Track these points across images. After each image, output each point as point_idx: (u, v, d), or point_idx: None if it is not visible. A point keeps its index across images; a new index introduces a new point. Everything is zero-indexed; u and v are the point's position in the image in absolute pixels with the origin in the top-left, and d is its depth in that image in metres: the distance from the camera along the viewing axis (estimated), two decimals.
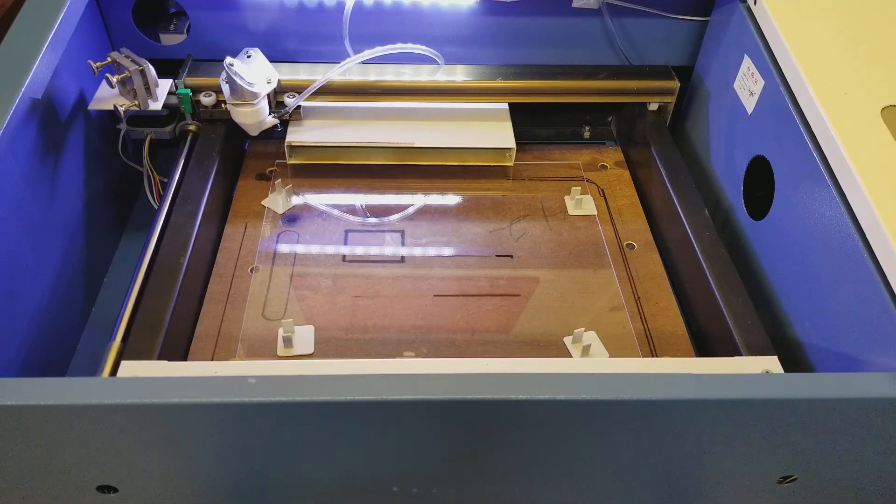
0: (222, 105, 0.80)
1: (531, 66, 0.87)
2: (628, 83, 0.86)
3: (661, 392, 0.47)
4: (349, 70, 0.81)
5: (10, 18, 0.69)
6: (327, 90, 0.82)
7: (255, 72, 0.78)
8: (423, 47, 0.79)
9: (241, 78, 0.76)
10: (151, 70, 0.75)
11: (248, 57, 0.80)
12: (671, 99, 0.87)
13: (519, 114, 0.88)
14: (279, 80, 0.80)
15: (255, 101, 0.77)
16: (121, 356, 0.59)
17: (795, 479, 0.55)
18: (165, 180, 0.78)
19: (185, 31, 0.86)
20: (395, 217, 0.80)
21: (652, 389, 0.47)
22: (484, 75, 0.85)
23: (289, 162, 0.84)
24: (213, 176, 0.77)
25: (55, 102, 0.70)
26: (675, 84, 0.86)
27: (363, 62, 0.80)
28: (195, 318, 0.69)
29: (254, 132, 0.81)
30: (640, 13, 0.85)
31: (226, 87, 0.78)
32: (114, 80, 0.73)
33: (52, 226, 0.71)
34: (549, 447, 0.52)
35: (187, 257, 0.68)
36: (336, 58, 0.81)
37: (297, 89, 0.81)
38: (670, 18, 0.86)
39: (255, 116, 0.79)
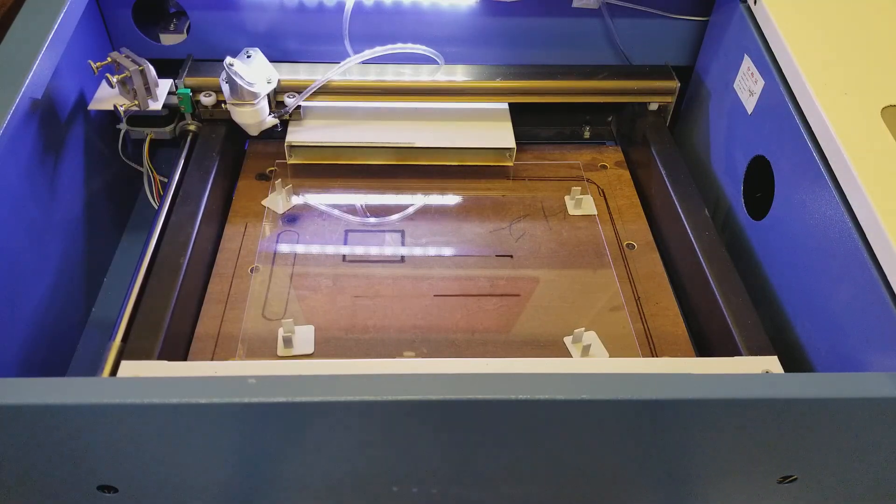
0: (222, 105, 0.80)
1: (531, 66, 0.87)
2: (628, 83, 0.86)
3: (661, 392, 0.47)
4: (349, 70, 0.81)
5: (10, 18, 0.69)
6: (327, 90, 0.82)
7: (255, 72, 0.78)
8: (423, 47, 0.79)
9: (241, 78, 0.76)
10: (151, 70, 0.75)
11: (248, 57, 0.80)
12: (671, 99, 0.87)
13: (519, 114, 0.88)
14: (279, 80, 0.80)
15: (255, 101, 0.77)
16: (121, 356, 0.59)
17: (795, 479, 0.55)
18: (165, 180, 0.78)
19: (185, 31, 0.86)
20: (395, 217, 0.80)
21: (652, 389, 0.47)
22: (484, 75, 0.85)
23: (289, 162, 0.84)
24: (213, 176, 0.77)
25: (55, 102, 0.70)
26: (675, 84, 0.86)
27: (363, 62, 0.80)
28: (195, 318, 0.69)
29: (254, 132, 0.81)
30: (640, 13, 0.85)
31: (226, 87, 0.78)
32: (114, 80, 0.73)
33: (52, 226, 0.71)
34: (549, 447, 0.52)
35: (187, 257, 0.68)
36: (336, 58, 0.81)
37: (297, 89, 0.81)
38: (670, 18, 0.86)
39: (255, 116, 0.79)
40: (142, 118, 0.80)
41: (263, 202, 0.81)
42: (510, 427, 0.49)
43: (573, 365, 0.63)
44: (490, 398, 0.46)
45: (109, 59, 0.74)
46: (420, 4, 0.83)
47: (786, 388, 0.48)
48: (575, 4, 0.84)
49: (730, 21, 0.80)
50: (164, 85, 0.78)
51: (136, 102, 0.75)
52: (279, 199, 0.80)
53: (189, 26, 0.85)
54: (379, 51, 0.78)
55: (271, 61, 0.81)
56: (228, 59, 0.76)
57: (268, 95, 0.79)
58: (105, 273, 0.83)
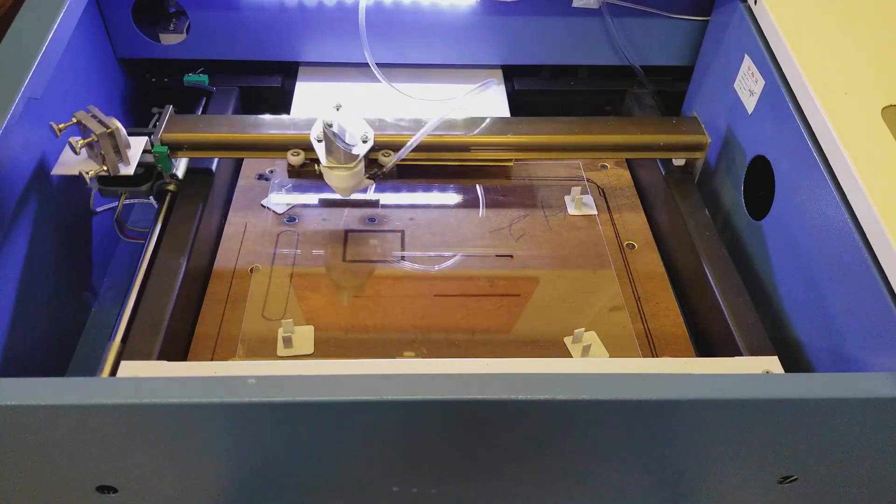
0: (315, 166, 0.72)
1: (543, 120, 0.78)
2: (655, 137, 0.77)
3: (661, 392, 0.47)
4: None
5: (11, 18, 0.69)
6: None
7: (349, 130, 0.70)
8: (478, 86, 0.77)
9: (342, 141, 0.68)
10: (122, 132, 0.67)
11: (337, 109, 0.70)
12: (701, 155, 0.78)
13: (520, 114, 0.88)
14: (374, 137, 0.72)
15: (353, 165, 0.70)
16: (121, 356, 0.59)
17: (795, 479, 0.55)
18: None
19: (184, 31, 0.85)
20: (395, 217, 0.80)
21: (652, 389, 0.47)
22: (494, 129, 0.77)
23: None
24: (212, 175, 0.77)
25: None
26: (706, 139, 0.77)
27: (381, 65, 0.78)
28: (195, 318, 0.69)
29: (347, 195, 0.75)
30: (640, 13, 0.85)
31: (320, 148, 0.70)
32: (78, 145, 0.65)
33: (52, 225, 0.71)
34: (549, 447, 0.52)
35: (187, 257, 0.68)
36: (337, 57, 0.81)
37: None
38: (670, 18, 0.86)
39: (354, 179, 0.71)
40: (114, 177, 0.70)
41: (263, 202, 0.81)
42: (510, 427, 0.49)
43: (573, 365, 0.63)
44: (490, 398, 0.46)
45: (74, 120, 0.66)
46: (420, 4, 0.83)
47: (786, 388, 0.48)
48: (575, 4, 0.84)
49: (730, 21, 0.80)
50: (138, 145, 0.70)
51: (105, 168, 0.67)
52: (279, 199, 0.80)
53: (189, 26, 0.85)
54: (448, 110, 0.74)
55: (272, 61, 0.81)
56: (326, 120, 0.67)
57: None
58: (104, 275, 0.83)
